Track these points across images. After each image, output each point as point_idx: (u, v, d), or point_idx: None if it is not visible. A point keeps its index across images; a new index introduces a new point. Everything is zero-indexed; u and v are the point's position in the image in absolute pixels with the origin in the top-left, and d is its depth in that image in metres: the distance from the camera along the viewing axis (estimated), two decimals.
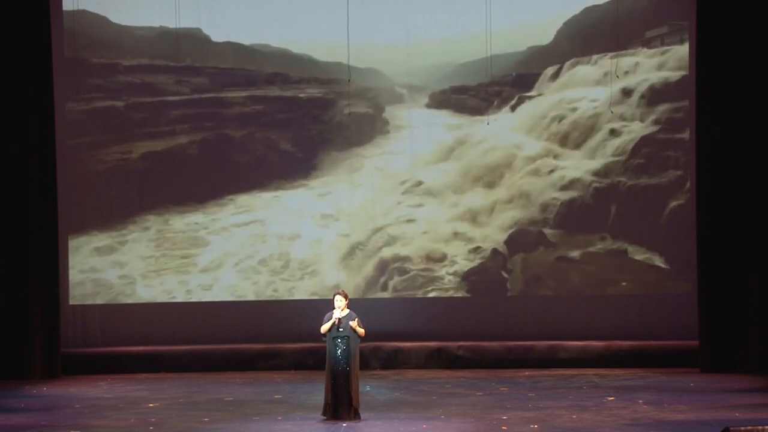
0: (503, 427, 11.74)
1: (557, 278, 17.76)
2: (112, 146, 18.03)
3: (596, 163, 17.82)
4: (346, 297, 12.43)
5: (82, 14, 17.85)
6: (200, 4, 17.95)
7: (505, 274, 17.81)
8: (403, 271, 17.85)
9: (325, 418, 12.33)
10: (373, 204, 18.08)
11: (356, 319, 12.35)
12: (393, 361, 17.34)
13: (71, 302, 17.79)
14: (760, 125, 16.14)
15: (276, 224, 18.05)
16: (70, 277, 17.77)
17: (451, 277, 17.79)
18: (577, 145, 17.90)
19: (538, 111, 18.04)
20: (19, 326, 16.64)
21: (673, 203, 17.63)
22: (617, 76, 17.57)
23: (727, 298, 16.30)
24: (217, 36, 18.16)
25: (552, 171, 17.89)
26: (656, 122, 17.70)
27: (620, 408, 12.96)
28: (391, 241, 17.94)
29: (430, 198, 18.05)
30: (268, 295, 17.83)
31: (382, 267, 17.88)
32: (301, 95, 18.22)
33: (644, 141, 17.69)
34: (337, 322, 12.28)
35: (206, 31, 18.12)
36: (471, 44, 17.76)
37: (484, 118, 17.90)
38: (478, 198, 17.97)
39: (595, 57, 17.88)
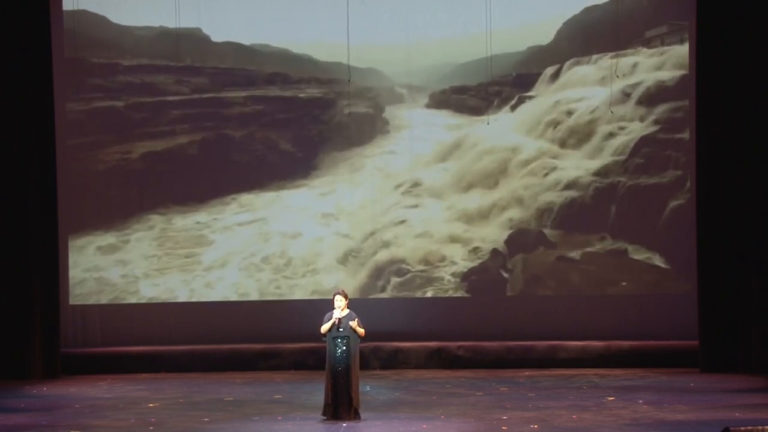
0: (503, 427, 11.74)
1: (557, 278, 17.76)
2: (112, 146, 18.03)
3: (596, 163, 17.82)
4: (346, 297, 12.43)
5: (82, 14, 17.85)
6: (200, 4, 17.96)
7: (505, 274, 17.81)
8: (402, 271, 17.85)
9: (325, 418, 12.33)
10: (373, 204, 18.08)
11: (356, 319, 12.35)
12: (393, 361, 17.34)
13: (72, 302, 17.78)
14: (760, 125, 16.14)
15: (276, 224, 18.05)
16: (71, 277, 17.76)
17: (451, 277, 17.80)
18: (577, 145, 17.90)
19: (538, 111, 18.04)
20: (19, 326, 16.64)
21: (673, 203, 17.63)
22: (617, 76, 17.57)
23: (727, 298, 16.29)
24: (217, 36, 18.16)
25: (552, 171, 17.89)
26: (656, 122, 17.70)
27: (620, 408, 12.96)
28: (391, 240, 17.94)
29: (430, 198, 18.05)
30: (270, 292, 17.81)
31: (382, 267, 17.88)
32: (301, 95, 18.22)
33: (644, 141, 17.70)
34: (337, 322, 12.28)
35: (206, 31, 18.12)
36: (471, 44, 17.76)
37: (484, 118, 17.90)
38: (478, 198, 17.97)
39: (595, 57, 17.88)
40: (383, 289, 17.82)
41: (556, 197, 17.83)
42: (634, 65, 17.77)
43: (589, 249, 17.75)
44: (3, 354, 16.54)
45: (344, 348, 12.27)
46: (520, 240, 17.83)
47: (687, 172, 17.48)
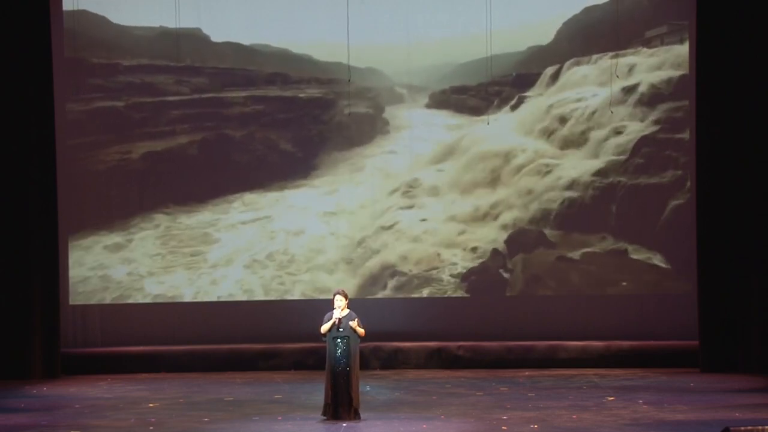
0: (503, 427, 11.74)
1: (557, 278, 17.76)
2: (112, 146, 18.03)
3: (596, 163, 17.82)
4: (346, 297, 12.43)
5: (82, 14, 17.85)
6: (200, 4, 17.96)
7: (505, 274, 17.81)
8: (402, 271, 17.85)
9: (325, 418, 12.33)
10: (373, 204, 18.08)
11: (356, 319, 12.35)
12: (393, 361, 17.34)
13: (72, 302, 17.78)
14: (760, 125, 16.13)
15: (277, 224, 18.04)
16: (71, 276, 17.76)
17: (451, 277, 17.79)
18: (577, 145, 17.90)
19: (538, 111, 18.04)
20: (19, 326, 16.64)
21: (673, 203, 17.63)
22: (617, 76, 17.57)
23: (727, 298, 16.29)
24: (217, 36, 18.16)
25: (552, 171, 17.89)
26: (656, 122, 17.70)
27: (620, 408, 12.96)
28: (391, 240, 17.93)
29: (431, 198, 18.05)
30: (273, 289, 17.81)
31: (382, 267, 17.88)
32: (301, 95, 18.22)
33: (644, 141, 17.70)
34: (337, 322, 12.28)
35: (206, 31, 18.12)
36: (471, 44, 17.76)
37: (484, 118, 17.90)
38: (478, 198, 17.97)
39: (595, 57, 17.88)
40: (383, 289, 17.82)
41: (556, 197, 17.83)
42: (634, 65, 17.77)
43: (589, 249, 17.75)
44: (3, 354, 16.54)
45: (344, 348, 12.27)
46: (520, 240, 17.83)
47: (687, 172, 17.48)
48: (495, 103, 18.03)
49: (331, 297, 12.49)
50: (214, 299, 17.87)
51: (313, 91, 18.22)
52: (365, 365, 15.81)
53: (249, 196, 18.08)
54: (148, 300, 17.83)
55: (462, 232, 17.93)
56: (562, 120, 17.95)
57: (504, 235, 17.86)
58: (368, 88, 18.11)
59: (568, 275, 17.74)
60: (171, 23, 17.68)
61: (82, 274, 17.86)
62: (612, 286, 17.69)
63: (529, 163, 17.95)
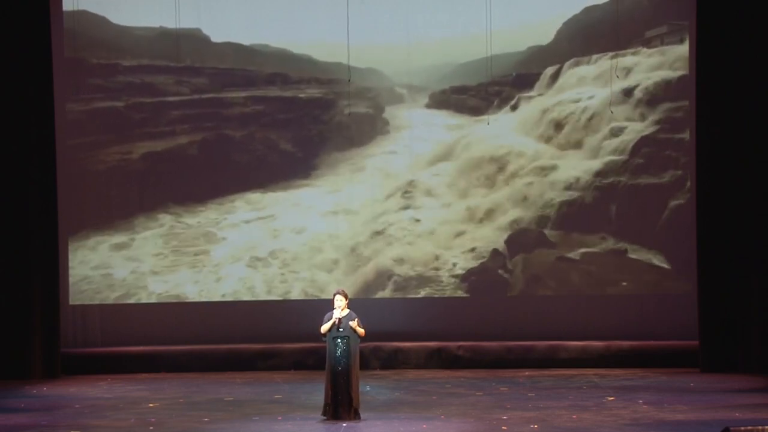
0: (503, 427, 11.73)
1: (557, 278, 17.76)
2: (112, 146, 18.03)
3: (596, 163, 17.82)
4: (346, 297, 12.43)
5: (82, 14, 17.85)
6: (200, 5, 17.96)
7: (505, 274, 17.80)
8: (403, 271, 17.85)
9: (325, 418, 12.32)
10: (373, 204, 18.08)
11: (356, 319, 12.35)
12: (393, 361, 17.34)
13: (72, 302, 17.78)
14: (760, 125, 16.13)
15: (277, 224, 18.04)
16: (71, 276, 17.76)
17: (451, 278, 17.79)
18: (578, 145, 17.90)
19: (538, 111, 18.04)
20: (19, 326, 16.64)
21: (673, 203, 17.63)
22: (617, 76, 17.57)
23: (727, 298, 16.29)
24: (217, 36, 18.17)
25: (552, 171, 17.89)
26: (656, 122, 17.70)
27: (620, 408, 12.96)
28: (391, 241, 17.94)
29: (430, 198, 18.05)
30: (274, 287, 17.82)
31: (383, 267, 17.88)
32: (301, 95, 18.22)
33: (644, 141, 17.70)
34: (337, 322, 12.28)
35: (206, 31, 18.13)
36: (471, 44, 17.76)
37: (484, 118, 17.90)
38: (478, 198, 17.97)
39: (595, 57, 17.88)
40: (383, 289, 17.82)
41: (557, 197, 17.83)
42: (634, 65, 17.77)
43: (589, 249, 17.75)
44: (3, 354, 16.54)
45: (344, 348, 12.27)
46: (520, 240, 17.82)
47: (687, 172, 17.48)
48: (495, 103, 18.03)
49: (331, 297, 12.48)
50: (213, 299, 17.85)
51: (313, 91, 18.22)
52: (365, 365, 15.81)
53: (249, 197, 18.08)
54: (152, 299, 17.80)
55: (462, 232, 17.93)
56: (562, 120, 17.95)
57: (504, 235, 17.86)
58: (368, 88, 18.11)
59: (568, 275, 17.73)
60: (171, 23, 17.68)
61: (83, 274, 17.85)
62: (612, 286, 17.69)
63: (529, 163, 17.95)
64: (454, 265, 17.82)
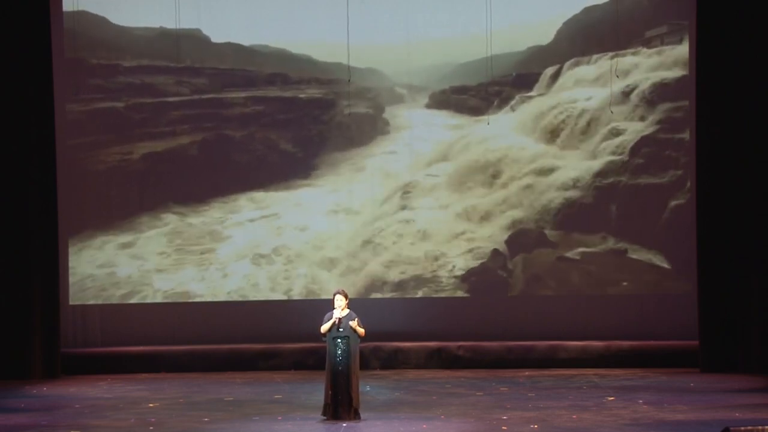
0: (503, 427, 11.73)
1: (557, 278, 17.76)
2: (113, 146, 18.04)
3: (596, 163, 17.82)
4: (346, 297, 12.43)
5: (82, 15, 17.86)
6: (200, 5, 17.96)
7: (505, 274, 17.80)
8: (403, 271, 17.85)
9: (325, 418, 12.32)
10: (373, 204, 18.09)
11: (356, 319, 12.35)
12: (393, 361, 17.34)
13: (73, 302, 17.79)
14: (760, 125, 16.13)
15: (277, 223, 18.04)
16: (72, 276, 17.77)
17: (451, 277, 17.79)
18: (578, 145, 17.91)
19: (538, 111, 18.04)
20: (19, 326, 16.64)
21: (673, 203, 17.63)
22: (617, 76, 17.57)
23: (727, 298, 16.29)
24: (217, 36, 18.17)
25: (552, 171, 17.89)
26: (656, 122, 17.70)
27: (620, 408, 12.95)
28: (391, 241, 17.93)
29: (431, 198, 18.05)
30: (274, 286, 17.83)
31: (382, 267, 17.88)
32: (301, 95, 18.22)
33: (644, 141, 17.70)
34: (337, 322, 12.28)
35: (206, 31, 18.13)
36: (471, 44, 17.77)
37: (485, 118, 17.90)
38: (478, 198, 17.97)
39: (595, 57, 17.88)
40: (383, 289, 17.82)
41: (557, 197, 17.83)
42: (634, 65, 17.77)
43: (589, 249, 17.75)
44: (3, 354, 16.55)
45: (344, 348, 12.27)
46: (520, 240, 17.82)
47: (687, 172, 17.47)
48: (495, 103, 18.03)
49: (331, 297, 12.48)
50: (216, 298, 17.86)
51: (313, 92, 18.23)
52: (365, 365, 15.81)
53: (250, 197, 18.08)
54: (157, 298, 17.79)
55: (462, 232, 17.93)
56: (562, 120, 17.95)
57: (504, 235, 17.86)
58: (368, 88, 18.12)
59: (569, 275, 17.74)
60: (171, 24, 17.68)
61: (87, 273, 17.86)
62: (612, 286, 17.69)
63: (530, 163, 17.95)
64: (454, 265, 17.82)
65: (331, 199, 18.08)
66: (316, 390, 13.59)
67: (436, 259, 17.87)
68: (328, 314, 12.39)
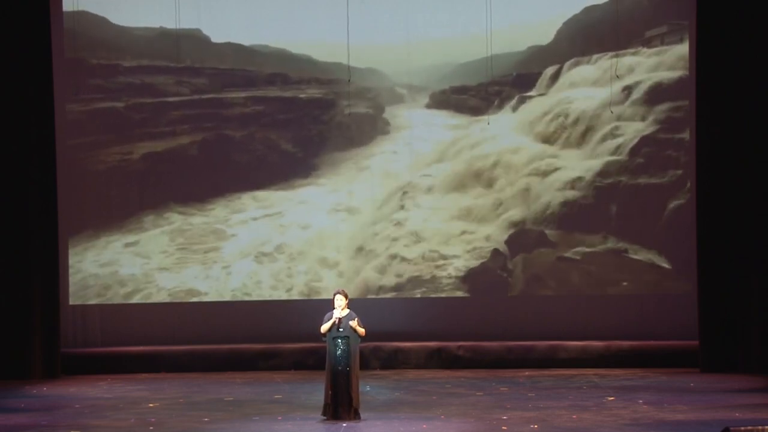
0: (503, 427, 11.73)
1: (558, 278, 17.76)
2: (113, 147, 18.04)
3: (596, 163, 17.82)
4: (346, 296, 12.42)
5: (82, 15, 17.86)
6: (200, 5, 17.96)
7: (505, 274, 17.80)
8: (403, 271, 17.85)
9: (325, 418, 12.32)
10: (373, 204, 18.09)
11: (356, 319, 12.35)
12: (393, 361, 17.34)
13: (73, 302, 17.79)
14: (760, 125, 16.13)
15: (277, 223, 18.05)
16: (72, 276, 17.77)
17: (451, 278, 17.79)
18: (578, 145, 17.91)
19: (538, 111, 18.04)
20: (19, 326, 16.64)
21: (674, 203, 17.63)
22: (617, 76, 17.57)
23: (727, 298, 16.29)
24: (217, 36, 18.17)
25: (552, 171, 17.89)
26: (656, 122, 17.70)
27: (620, 408, 12.95)
28: (391, 241, 17.93)
29: (431, 198, 18.05)
30: (274, 286, 17.84)
31: (383, 267, 17.88)
32: (301, 95, 18.22)
33: (644, 141, 17.69)
34: (337, 322, 12.27)
35: (206, 31, 18.13)
36: (471, 44, 17.77)
37: (485, 118, 17.90)
38: (478, 198, 17.97)
39: (595, 57, 17.89)
40: (383, 289, 17.82)
41: (557, 197, 17.83)
42: (634, 65, 17.77)
43: (589, 249, 17.75)
44: (3, 354, 16.55)
45: (344, 348, 12.27)
46: (520, 240, 17.82)
47: (687, 172, 17.47)
48: (495, 103, 18.03)
49: (331, 297, 12.48)
50: (211, 299, 17.86)
51: (313, 92, 18.23)
52: (365, 365, 15.81)
53: (250, 196, 18.08)
54: (160, 297, 17.79)
55: (462, 232, 17.93)
56: (563, 120, 17.95)
57: (505, 235, 17.86)
58: (368, 88, 18.12)
59: (569, 275, 17.73)
60: (171, 24, 17.68)
61: (84, 274, 17.86)
62: (612, 286, 17.69)
63: (530, 163, 17.95)
64: (455, 265, 17.82)
65: (331, 199, 18.08)
66: (316, 390, 13.59)
67: (437, 258, 17.86)
68: (328, 314, 12.39)
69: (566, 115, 17.95)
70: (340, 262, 17.95)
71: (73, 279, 17.81)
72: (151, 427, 12.05)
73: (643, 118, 17.73)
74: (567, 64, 17.96)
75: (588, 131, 17.88)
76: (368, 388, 14.73)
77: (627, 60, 17.75)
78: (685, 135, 17.54)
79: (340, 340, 12.27)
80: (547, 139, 17.98)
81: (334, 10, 17.56)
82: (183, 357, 17.37)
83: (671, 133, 17.69)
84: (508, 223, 17.87)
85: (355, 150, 18.21)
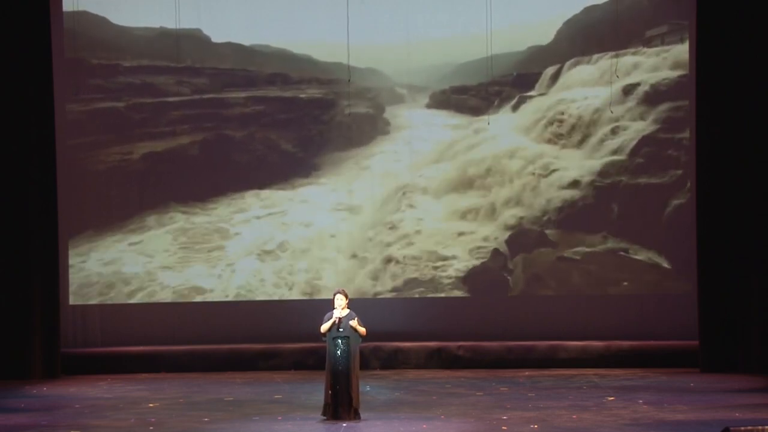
0: (503, 427, 11.73)
1: (558, 278, 17.76)
2: (113, 146, 18.04)
3: (597, 163, 17.82)
4: (346, 296, 12.42)
5: (82, 15, 17.86)
6: (200, 5, 17.96)
7: (506, 274, 17.80)
8: (403, 271, 17.85)
9: (325, 418, 12.32)
10: (373, 204, 18.08)
11: (356, 318, 12.35)
12: (393, 361, 17.34)
13: (74, 301, 17.80)
14: (760, 125, 16.13)
15: (278, 223, 18.05)
16: (71, 275, 17.78)
17: (451, 277, 17.79)
18: (578, 145, 17.90)
19: (538, 111, 18.04)
20: (19, 326, 16.64)
21: (674, 203, 17.63)
22: (617, 76, 17.56)
23: (727, 298, 16.29)
24: (217, 37, 18.17)
25: (553, 171, 17.89)
26: (656, 122, 17.71)
27: (620, 408, 12.95)
28: (391, 241, 17.93)
29: (431, 198, 18.05)
30: (274, 286, 17.85)
31: (383, 267, 17.88)
32: (301, 95, 18.22)
33: (644, 140, 17.69)
34: (337, 322, 12.27)
35: (206, 31, 18.13)
36: (471, 44, 17.76)
37: (485, 118, 17.90)
38: (478, 198, 17.97)
39: (595, 57, 17.88)
40: (383, 289, 17.81)
41: (557, 197, 17.83)
42: (635, 65, 17.77)
43: (589, 249, 17.75)
44: (3, 354, 16.55)
45: (344, 348, 12.27)
46: (520, 240, 17.82)
47: (687, 172, 17.47)
48: (495, 103, 18.03)
49: (331, 297, 12.48)
50: (212, 299, 17.87)
51: (313, 92, 18.23)
52: (365, 365, 15.81)
53: (251, 196, 18.08)
54: (162, 296, 17.78)
55: (462, 232, 17.92)
56: (563, 120, 17.95)
57: (505, 235, 17.86)
58: (368, 88, 18.12)
59: (569, 275, 17.73)
60: (171, 24, 17.68)
61: (84, 274, 17.86)
62: (612, 286, 17.69)
63: (530, 163, 17.95)
64: (455, 265, 17.82)
65: (331, 199, 18.07)
66: (316, 390, 13.59)
67: (437, 259, 17.85)
68: (328, 314, 12.39)
69: (566, 115, 17.93)
70: (341, 262, 17.95)
71: (76, 278, 17.79)
72: (151, 427, 12.06)
73: (643, 118, 17.73)
74: (567, 64, 17.95)
75: (588, 131, 17.87)
76: (368, 388, 14.73)
77: (627, 60, 17.75)
78: (685, 135, 17.54)
79: (340, 340, 12.27)
80: (548, 139, 17.98)
81: (334, 10, 17.56)
82: (183, 357, 17.37)
83: (671, 133, 17.69)
84: (508, 223, 17.87)
85: (355, 150, 18.20)
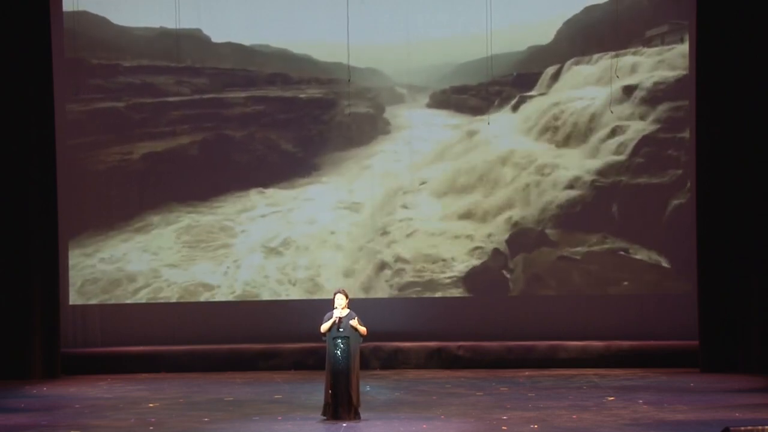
0: (503, 427, 11.73)
1: (558, 278, 17.76)
2: (113, 146, 18.04)
3: (597, 163, 17.82)
4: (346, 296, 12.42)
5: (82, 15, 17.86)
6: (200, 5, 17.96)
7: (506, 274, 17.80)
8: (403, 271, 17.85)
9: (325, 418, 12.32)
10: (373, 204, 18.08)
11: (356, 318, 12.34)
12: (393, 361, 17.34)
13: (77, 301, 17.81)
14: (760, 125, 16.13)
15: (277, 223, 18.05)
16: (71, 276, 17.78)
17: (451, 277, 17.79)
18: (578, 145, 17.90)
19: (538, 111, 18.04)
20: (19, 326, 16.65)
21: (674, 203, 17.63)
22: (617, 76, 17.56)
23: (727, 298, 16.29)
24: (218, 36, 18.17)
25: (553, 170, 17.89)
26: (656, 121, 17.70)
27: (620, 408, 12.95)
28: (391, 241, 17.93)
29: (431, 198, 18.05)
30: (273, 287, 17.85)
31: (383, 267, 17.88)
32: (301, 95, 18.22)
33: (645, 140, 17.69)
34: (337, 322, 12.27)
35: (206, 31, 18.13)
36: (471, 44, 17.76)
37: (485, 117, 17.90)
38: (479, 198, 17.97)
39: (595, 57, 17.88)
40: (383, 289, 17.81)
41: (557, 197, 17.83)
42: (635, 65, 17.77)
43: (589, 248, 17.75)
44: (3, 354, 16.55)
45: (344, 348, 12.26)
46: (521, 240, 17.82)
47: (687, 172, 17.47)
48: (495, 102, 18.03)
49: (332, 296, 12.48)
50: (211, 299, 17.87)
51: (313, 92, 18.23)
52: (365, 365, 15.80)
53: (250, 196, 18.08)
54: (164, 295, 17.79)
55: (463, 232, 17.92)
56: (563, 120, 17.95)
57: (505, 235, 17.85)
58: (368, 88, 18.12)
59: (569, 275, 17.73)
60: (171, 24, 17.68)
61: (84, 274, 17.87)
62: (612, 286, 17.69)
63: (530, 163, 17.95)
64: (455, 264, 17.82)
65: (331, 199, 18.07)
66: (316, 390, 13.59)
67: (437, 258, 17.85)
68: (328, 314, 12.39)
69: (567, 115, 17.93)
70: (340, 262, 17.94)
71: (79, 276, 17.78)
72: (151, 427, 12.06)
73: (643, 118, 17.73)
74: (567, 63, 17.95)
75: (588, 131, 17.87)
76: (368, 388, 14.73)
77: (627, 60, 17.75)
78: (685, 135, 17.54)
79: (340, 340, 12.27)
80: (548, 139, 17.98)
81: (334, 10, 17.56)
82: (183, 357, 17.37)
83: (671, 133, 17.68)
84: (508, 223, 17.87)
85: (355, 150, 18.20)
